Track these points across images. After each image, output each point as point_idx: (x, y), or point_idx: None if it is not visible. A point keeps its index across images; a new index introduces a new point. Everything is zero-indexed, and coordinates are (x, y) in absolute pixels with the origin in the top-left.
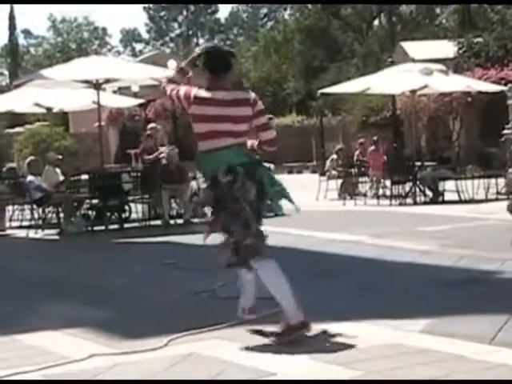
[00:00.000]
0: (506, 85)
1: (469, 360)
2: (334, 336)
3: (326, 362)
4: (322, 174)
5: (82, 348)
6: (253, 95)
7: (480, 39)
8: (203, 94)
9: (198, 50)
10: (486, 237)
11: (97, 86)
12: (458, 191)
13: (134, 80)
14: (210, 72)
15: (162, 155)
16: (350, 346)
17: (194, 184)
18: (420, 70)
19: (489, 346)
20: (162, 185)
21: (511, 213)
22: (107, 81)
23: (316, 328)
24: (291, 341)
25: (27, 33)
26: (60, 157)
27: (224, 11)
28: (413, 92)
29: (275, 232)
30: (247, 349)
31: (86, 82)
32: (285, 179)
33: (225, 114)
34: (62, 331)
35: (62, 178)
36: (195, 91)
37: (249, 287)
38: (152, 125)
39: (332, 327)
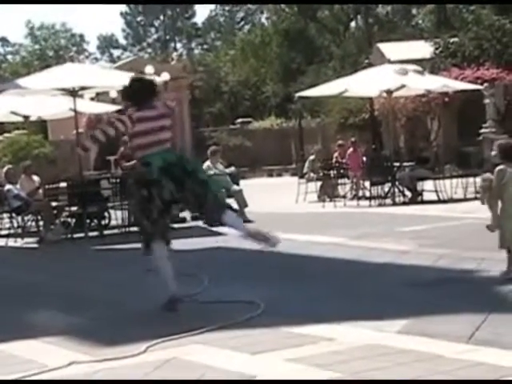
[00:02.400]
0: (482, 84)
1: (447, 359)
2: (313, 337)
3: (304, 363)
4: (301, 176)
5: (61, 356)
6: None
7: (456, 39)
8: (138, 114)
9: (126, 82)
10: (464, 236)
11: (73, 93)
12: (436, 191)
13: (112, 86)
14: (135, 102)
15: None
16: (329, 348)
17: None
18: (396, 71)
19: (467, 345)
20: None
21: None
22: (84, 88)
23: (296, 331)
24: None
25: (4, 40)
26: (28, 162)
27: (201, 15)
28: (389, 93)
29: None
30: (227, 352)
31: (63, 89)
32: (265, 182)
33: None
34: (42, 339)
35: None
36: (135, 114)
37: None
38: None
39: (311, 329)
